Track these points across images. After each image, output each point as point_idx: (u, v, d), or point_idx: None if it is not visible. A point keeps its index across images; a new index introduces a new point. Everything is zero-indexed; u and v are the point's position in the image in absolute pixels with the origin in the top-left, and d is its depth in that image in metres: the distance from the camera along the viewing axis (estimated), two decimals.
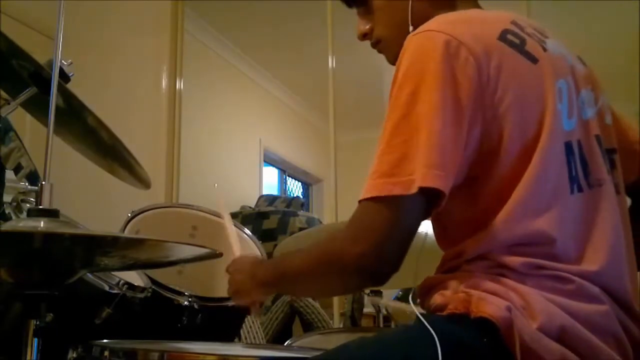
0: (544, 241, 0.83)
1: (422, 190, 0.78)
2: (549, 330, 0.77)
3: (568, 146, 0.88)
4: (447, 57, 0.83)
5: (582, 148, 0.90)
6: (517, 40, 0.90)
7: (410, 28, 1.00)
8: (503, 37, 0.89)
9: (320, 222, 3.78)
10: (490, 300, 0.78)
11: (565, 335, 0.78)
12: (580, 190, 0.88)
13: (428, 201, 0.81)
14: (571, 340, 0.78)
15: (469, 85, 0.82)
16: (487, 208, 0.84)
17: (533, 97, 0.87)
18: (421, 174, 0.78)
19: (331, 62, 3.63)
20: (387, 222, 0.80)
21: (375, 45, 1.08)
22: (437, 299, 0.85)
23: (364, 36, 1.08)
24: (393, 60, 1.02)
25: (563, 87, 0.90)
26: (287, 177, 5.76)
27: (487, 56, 0.85)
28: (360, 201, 0.83)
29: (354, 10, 1.11)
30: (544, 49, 0.93)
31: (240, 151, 4.61)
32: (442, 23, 0.88)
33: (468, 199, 0.87)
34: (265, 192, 4.75)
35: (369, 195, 0.81)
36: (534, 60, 0.89)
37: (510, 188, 0.83)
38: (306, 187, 6.09)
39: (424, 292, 0.90)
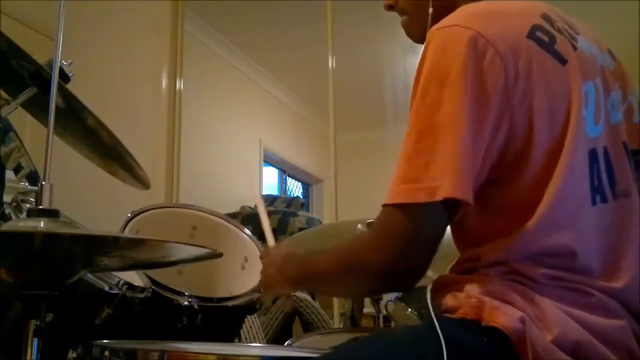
0: (565, 254, 0.80)
1: (447, 200, 0.76)
2: (563, 343, 0.75)
3: (592, 154, 0.84)
4: (473, 57, 0.79)
5: (609, 155, 0.86)
6: (546, 38, 0.85)
7: (430, 10, 0.96)
8: (532, 34, 0.84)
9: (320, 222, 3.78)
10: (504, 310, 0.75)
11: (580, 350, 0.75)
12: (604, 200, 0.84)
13: (451, 208, 0.79)
14: (586, 355, 0.75)
15: (494, 87, 0.78)
16: (510, 216, 0.81)
17: (559, 101, 0.82)
18: (447, 183, 0.76)
19: (331, 62, 3.63)
20: (412, 229, 0.79)
21: (401, 15, 1.04)
22: (449, 300, 0.82)
23: (389, 7, 1.04)
24: (411, 35, 1.01)
25: (590, 90, 0.86)
26: (287, 177, 5.76)
27: (515, 56, 0.80)
28: (383, 206, 0.81)
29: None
30: (574, 48, 0.88)
31: (240, 151, 4.61)
32: (468, 16, 0.84)
33: (491, 206, 0.84)
34: (265, 192, 4.75)
35: (392, 202, 0.79)
36: (562, 61, 0.85)
37: (534, 198, 0.80)
38: (306, 187, 6.09)
39: (435, 290, 0.87)
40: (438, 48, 0.82)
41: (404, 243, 0.80)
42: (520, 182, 0.81)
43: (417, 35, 1.00)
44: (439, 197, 0.76)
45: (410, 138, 0.80)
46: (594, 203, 0.83)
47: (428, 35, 0.84)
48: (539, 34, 0.85)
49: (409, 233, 0.79)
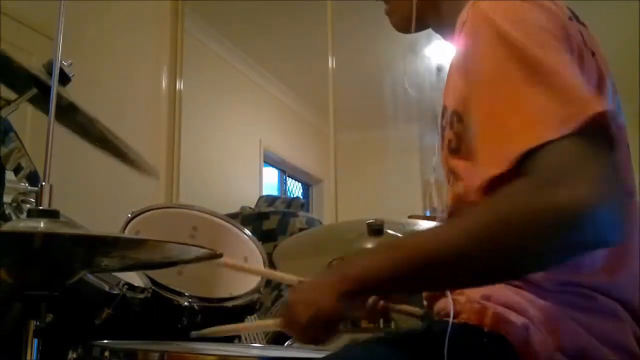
0: None
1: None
2: (569, 350, 0.73)
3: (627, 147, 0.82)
4: (554, 16, 0.75)
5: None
6: (579, 27, 0.83)
7: None
8: (571, 18, 0.82)
9: (321, 223, 3.78)
10: (507, 317, 0.74)
11: (585, 355, 0.74)
12: None
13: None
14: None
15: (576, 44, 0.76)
16: None
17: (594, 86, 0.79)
18: (594, 100, 0.67)
19: (331, 62, 3.63)
20: (601, 155, 0.65)
21: (386, 3, 1.00)
22: (449, 304, 0.80)
23: None
24: (395, 22, 0.98)
25: (610, 86, 0.83)
26: (287, 178, 5.76)
27: (567, 30, 0.77)
28: (536, 149, 0.65)
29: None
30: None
31: (240, 151, 4.62)
32: None
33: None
34: (265, 192, 4.75)
35: (561, 134, 0.64)
36: (591, 52, 0.82)
37: None
38: (306, 187, 6.09)
39: (434, 295, 0.85)
40: (491, 12, 0.75)
41: (599, 169, 0.64)
42: None
43: (400, 24, 0.98)
44: (600, 108, 0.65)
45: (545, 74, 0.69)
46: None
47: (468, 8, 0.79)
48: (574, 21, 0.83)
49: (600, 158, 0.65)
